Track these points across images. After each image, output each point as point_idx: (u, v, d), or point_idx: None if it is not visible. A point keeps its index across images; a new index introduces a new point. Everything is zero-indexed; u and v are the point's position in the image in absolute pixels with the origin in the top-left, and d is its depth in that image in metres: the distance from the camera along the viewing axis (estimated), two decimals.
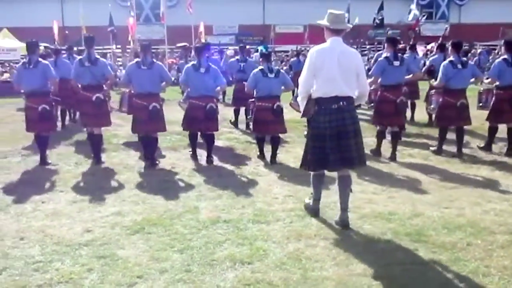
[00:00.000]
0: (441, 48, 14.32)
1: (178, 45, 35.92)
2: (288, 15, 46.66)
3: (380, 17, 35.68)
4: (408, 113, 15.21)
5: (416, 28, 33.67)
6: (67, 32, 38.75)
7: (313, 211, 7.18)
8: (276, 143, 10.63)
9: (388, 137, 11.16)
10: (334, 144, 6.56)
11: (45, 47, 17.50)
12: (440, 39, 25.33)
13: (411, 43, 20.93)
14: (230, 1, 48.45)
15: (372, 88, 11.10)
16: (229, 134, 13.84)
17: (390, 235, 6.44)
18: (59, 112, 14.34)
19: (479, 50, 35.39)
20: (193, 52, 14.62)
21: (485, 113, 11.44)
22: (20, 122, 14.66)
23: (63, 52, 16.22)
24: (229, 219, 7.08)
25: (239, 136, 13.58)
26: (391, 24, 42.38)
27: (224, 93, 17.81)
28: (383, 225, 6.79)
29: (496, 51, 30.37)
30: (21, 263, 5.74)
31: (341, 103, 6.53)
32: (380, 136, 11.02)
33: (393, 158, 10.62)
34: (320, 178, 7.11)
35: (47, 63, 10.81)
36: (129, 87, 10.87)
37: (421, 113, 14.60)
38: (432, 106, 11.58)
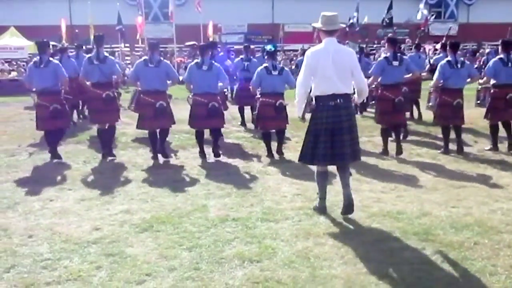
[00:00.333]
0: (445, 47, 14.45)
1: (187, 44, 36.06)
2: (297, 14, 46.50)
3: (389, 17, 35.61)
4: (415, 112, 15.35)
5: (422, 28, 33.54)
6: (77, 30, 38.81)
7: (320, 209, 7.22)
8: (281, 137, 10.96)
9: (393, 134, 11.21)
10: (327, 139, 6.88)
11: (52, 45, 17.55)
12: (444, 38, 25.32)
13: (416, 42, 21.00)
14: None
15: (373, 86, 11.58)
16: (238, 133, 13.88)
17: (398, 234, 6.44)
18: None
19: (487, 50, 35.28)
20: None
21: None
22: (27, 121, 14.81)
23: (71, 50, 16.28)
24: (238, 217, 7.09)
25: (248, 134, 13.59)
26: (400, 23, 42.31)
27: (232, 91, 17.83)
28: (391, 224, 6.79)
29: None
30: (29, 260, 5.76)
31: (338, 100, 6.85)
32: (385, 135, 11.15)
33: (399, 153, 10.77)
34: (324, 175, 7.25)
35: (58, 63, 10.93)
36: (137, 85, 10.94)
37: (427, 112, 14.60)
38: (430, 104, 11.91)
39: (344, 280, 5.20)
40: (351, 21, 36.06)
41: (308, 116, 7.21)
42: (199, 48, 11.60)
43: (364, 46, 23.86)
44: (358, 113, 16.19)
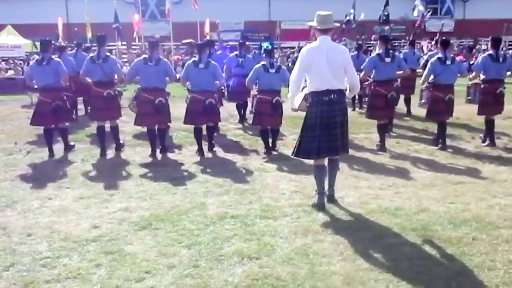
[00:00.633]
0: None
1: (184, 41, 36.00)
2: (294, 12, 46.45)
3: (386, 13, 35.67)
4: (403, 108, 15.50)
5: (417, 24, 33.59)
6: (76, 29, 38.78)
7: (319, 206, 7.25)
8: (274, 135, 11.18)
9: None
10: (323, 133, 7.12)
11: None
12: (438, 35, 25.48)
13: (410, 38, 21.08)
14: None
15: (367, 83, 11.90)
16: (236, 130, 13.87)
17: (397, 230, 6.46)
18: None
19: (483, 46, 35.35)
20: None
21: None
22: (25, 119, 14.76)
23: (70, 48, 16.30)
24: (237, 214, 7.10)
25: (246, 132, 13.58)
26: (396, 20, 42.36)
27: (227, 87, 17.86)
28: (390, 220, 6.81)
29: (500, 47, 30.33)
30: (28, 259, 5.77)
31: (332, 95, 7.08)
32: (382, 131, 11.32)
33: (382, 149, 11.06)
34: (320, 169, 7.39)
35: (59, 60, 11.19)
36: (135, 81, 11.00)
37: (418, 109, 14.62)
38: (422, 101, 12.05)
39: (343, 276, 5.21)
40: (347, 18, 36.15)
41: (303, 114, 7.32)
42: (197, 46, 11.73)
43: (361, 43, 23.93)
44: (356, 108, 16.34)
